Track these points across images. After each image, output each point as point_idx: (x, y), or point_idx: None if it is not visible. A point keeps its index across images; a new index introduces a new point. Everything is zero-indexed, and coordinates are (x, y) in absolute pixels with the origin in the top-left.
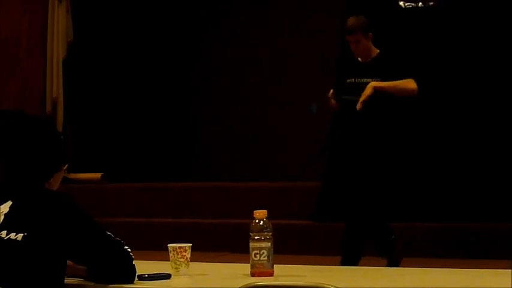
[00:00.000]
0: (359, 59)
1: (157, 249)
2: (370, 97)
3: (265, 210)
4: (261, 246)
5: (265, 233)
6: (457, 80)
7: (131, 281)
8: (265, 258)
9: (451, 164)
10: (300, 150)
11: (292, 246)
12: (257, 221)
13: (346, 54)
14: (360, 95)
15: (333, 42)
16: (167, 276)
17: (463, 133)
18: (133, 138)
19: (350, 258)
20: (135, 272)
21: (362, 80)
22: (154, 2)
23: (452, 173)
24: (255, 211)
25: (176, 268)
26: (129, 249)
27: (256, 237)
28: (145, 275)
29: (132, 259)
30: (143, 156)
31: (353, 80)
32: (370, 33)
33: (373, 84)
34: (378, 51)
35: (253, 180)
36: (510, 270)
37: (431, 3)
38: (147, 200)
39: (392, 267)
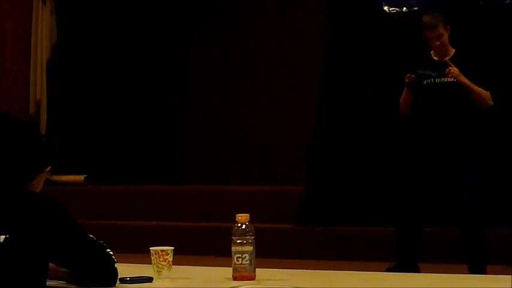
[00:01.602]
0: (435, 57)
1: (139, 252)
2: (451, 84)
3: (248, 214)
4: (243, 250)
5: (248, 236)
6: None
7: (113, 284)
8: (247, 262)
9: None
10: (285, 155)
11: (275, 250)
12: (239, 224)
13: (417, 54)
14: (441, 98)
15: (318, 47)
16: (149, 280)
17: None
18: (117, 140)
19: (409, 262)
20: (117, 275)
21: (443, 80)
22: (139, 3)
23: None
24: (237, 215)
25: (158, 271)
26: (111, 252)
27: (238, 241)
28: (127, 278)
29: (114, 262)
30: (127, 159)
31: (432, 80)
32: (449, 27)
33: (462, 77)
34: (454, 50)
35: (237, 184)
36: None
37: (416, 8)
38: (130, 203)
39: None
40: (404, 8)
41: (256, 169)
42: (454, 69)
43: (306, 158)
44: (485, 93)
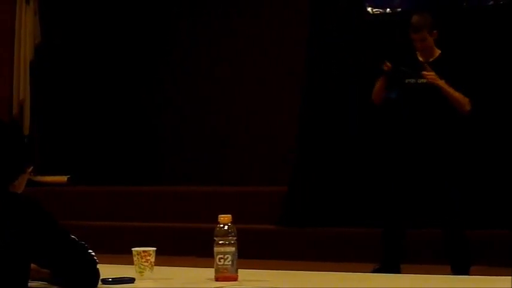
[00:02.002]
0: (420, 58)
1: (122, 253)
2: (431, 84)
3: (230, 215)
4: (225, 251)
5: (230, 237)
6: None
7: (95, 285)
8: (230, 262)
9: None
10: (267, 155)
11: (257, 250)
12: (222, 225)
13: (404, 54)
14: (420, 98)
15: (301, 49)
16: (131, 280)
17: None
18: (100, 141)
19: (393, 264)
20: (99, 276)
21: (423, 80)
22: (122, 4)
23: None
24: (219, 216)
25: (140, 272)
26: (93, 253)
27: (220, 242)
28: (109, 278)
29: (96, 263)
30: (109, 160)
31: (414, 80)
32: (435, 31)
33: (439, 81)
34: (440, 52)
35: (219, 184)
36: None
37: (399, 9)
38: (112, 204)
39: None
40: (388, 9)
41: (238, 169)
42: (431, 74)
43: (289, 159)
44: (462, 98)
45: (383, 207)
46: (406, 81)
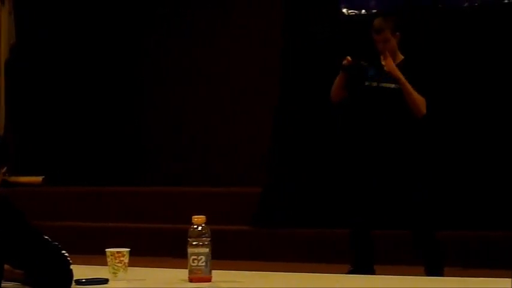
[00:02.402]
0: (383, 62)
1: (96, 253)
2: (392, 75)
3: (204, 216)
4: (199, 252)
5: (204, 238)
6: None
7: (68, 286)
8: (203, 263)
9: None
10: (243, 156)
11: (232, 251)
12: (195, 226)
13: (367, 56)
14: (381, 102)
15: (277, 47)
16: (104, 281)
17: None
18: (75, 141)
19: (364, 265)
20: (72, 277)
21: (385, 85)
22: (98, 3)
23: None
24: (193, 216)
25: (114, 273)
26: (66, 254)
27: (194, 243)
28: (82, 279)
29: (70, 263)
30: (85, 160)
31: (376, 84)
32: (398, 33)
33: (399, 74)
34: (403, 57)
35: (194, 185)
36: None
37: (374, 10)
38: (87, 204)
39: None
40: (363, 11)
41: (213, 170)
42: (390, 64)
43: (264, 160)
44: (420, 99)
45: (348, 209)
46: (367, 83)
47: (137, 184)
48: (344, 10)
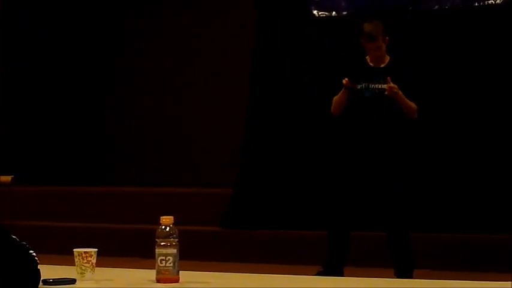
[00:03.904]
0: (370, 63)
1: (63, 253)
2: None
3: (172, 217)
4: (167, 253)
5: (172, 239)
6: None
7: (35, 286)
8: (171, 264)
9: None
10: (213, 157)
11: (201, 252)
12: (163, 227)
13: (353, 59)
14: (371, 102)
15: (249, 47)
16: (72, 281)
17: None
18: (45, 141)
19: (336, 267)
20: (40, 277)
21: (376, 85)
22: (71, 6)
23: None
24: (161, 217)
25: (81, 273)
26: (34, 254)
27: (162, 244)
28: (50, 279)
29: (37, 263)
30: (54, 160)
31: (367, 85)
32: (387, 38)
33: (399, 94)
34: (389, 58)
35: (164, 186)
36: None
37: (345, 12)
38: (56, 204)
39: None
40: (334, 13)
41: (184, 171)
42: (394, 87)
43: (235, 161)
44: (414, 107)
45: (329, 211)
46: (359, 86)
47: (106, 184)
48: (314, 12)
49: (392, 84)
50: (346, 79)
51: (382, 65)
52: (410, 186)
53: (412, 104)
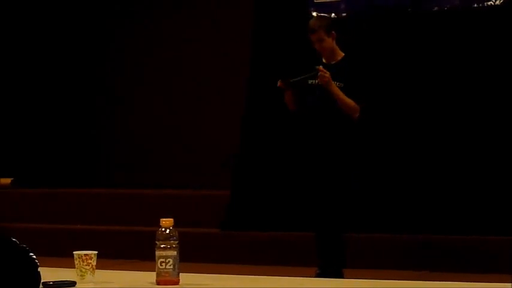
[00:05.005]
0: (323, 60)
1: (64, 256)
2: (323, 84)
3: (172, 219)
4: (166, 255)
5: (172, 241)
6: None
7: None
8: (171, 266)
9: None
10: (211, 158)
11: (200, 254)
12: (163, 229)
13: (310, 56)
14: (322, 99)
15: (246, 49)
16: (72, 284)
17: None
18: (44, 144)
19: (329, 267)
20: (40, 279)
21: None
22: (59, 6)
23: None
24: (161, 219)
25: (81, 275)
26: (34, 256)
27: (162, 246)
28: (50, 282)
29: (37, 266)
30: (53, 163)
31: (315, 81)
32: (333, 32)
33: (331, 83)
34: (343, 54)
35: (163, 188)
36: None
37: (344, 14)
38: (56, 206)
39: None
40: (333, 14)
41: (182, 173)
42: (325, 76)
43: (232, 162)
44: (353, 106)
45: (308, 212)
46: (309, 82)
47: (106, 186)
48: (314, 13)
49: (324, 71)
50: (279, 81)
51: (333, 62)
52: (359, 184)
53: (350, 102)
